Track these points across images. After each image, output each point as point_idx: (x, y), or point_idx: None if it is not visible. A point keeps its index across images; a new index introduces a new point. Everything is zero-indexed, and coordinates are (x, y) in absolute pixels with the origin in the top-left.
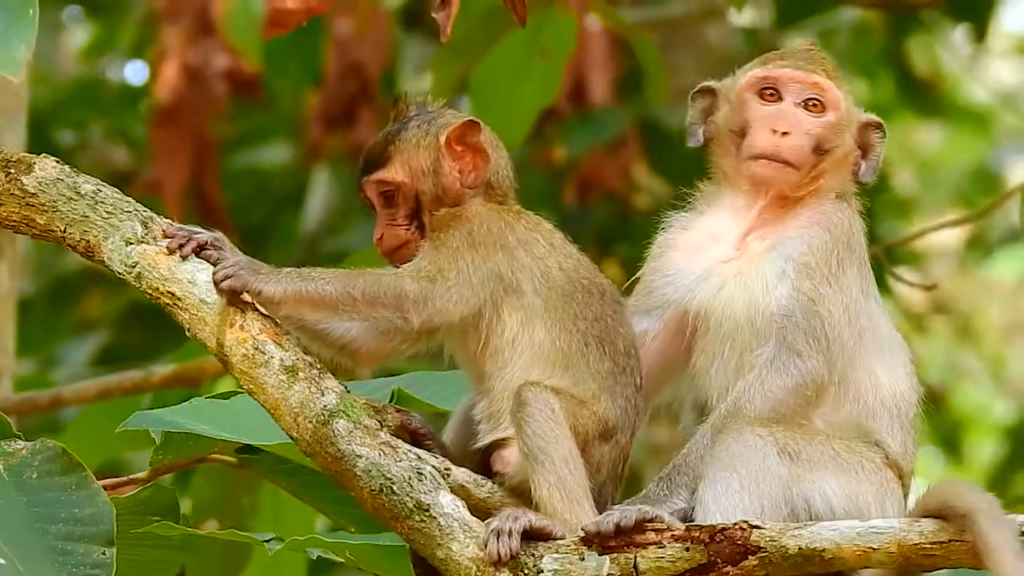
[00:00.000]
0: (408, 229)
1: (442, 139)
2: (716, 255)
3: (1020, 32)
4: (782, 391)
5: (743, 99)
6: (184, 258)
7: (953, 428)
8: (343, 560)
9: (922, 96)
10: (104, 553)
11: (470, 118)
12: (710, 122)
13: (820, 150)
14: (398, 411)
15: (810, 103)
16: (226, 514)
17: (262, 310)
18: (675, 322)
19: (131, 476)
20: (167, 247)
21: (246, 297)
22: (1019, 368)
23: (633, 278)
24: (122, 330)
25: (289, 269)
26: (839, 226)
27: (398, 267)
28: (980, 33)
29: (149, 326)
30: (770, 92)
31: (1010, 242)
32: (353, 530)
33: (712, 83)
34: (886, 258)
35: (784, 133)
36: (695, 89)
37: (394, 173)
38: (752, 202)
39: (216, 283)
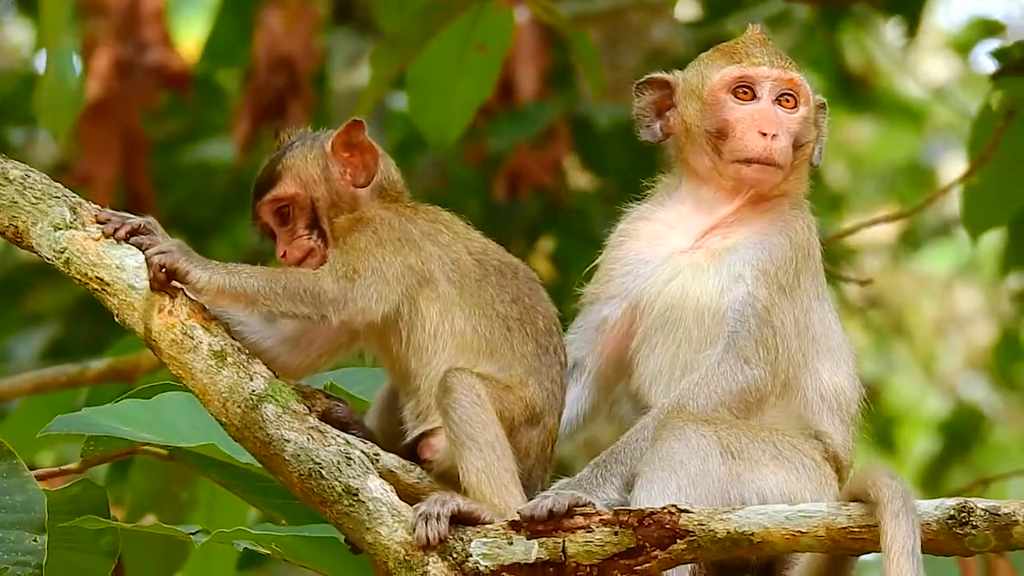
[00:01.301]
0: (310, 238)
1: (327, 146)
2: (675, 245)
3: (951, 29)
4: (726, 395)
5: (718, 99)
6: (118, 241)
7: (886, 423)
8: (270, 552)
9: (854, 91)
10: (35, 540)
11: (352, 119)
12: (668, 117)
13: (797, 145)
14: (327, 397)
15: (784, 99)
16: (164, 507)
17: (191, 295)
18: (632, 311)
19: (62, 467)
20: (102, 231)
21: (175, 281)
22: (951, 362)
23: (592, 265)
24: (71, 323)
25: (217, 262)
26: (800, 233)
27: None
28: (911, 29)
29: (97, 319)
30: (744, 90)
31: (941, 236)
32: (284, 522)
33: (663, 75)
34: (825, 255)
35: (773, 136)
36: (641, 80)
37: (285, 188)
38: (722, 198)
39: (147, 259)
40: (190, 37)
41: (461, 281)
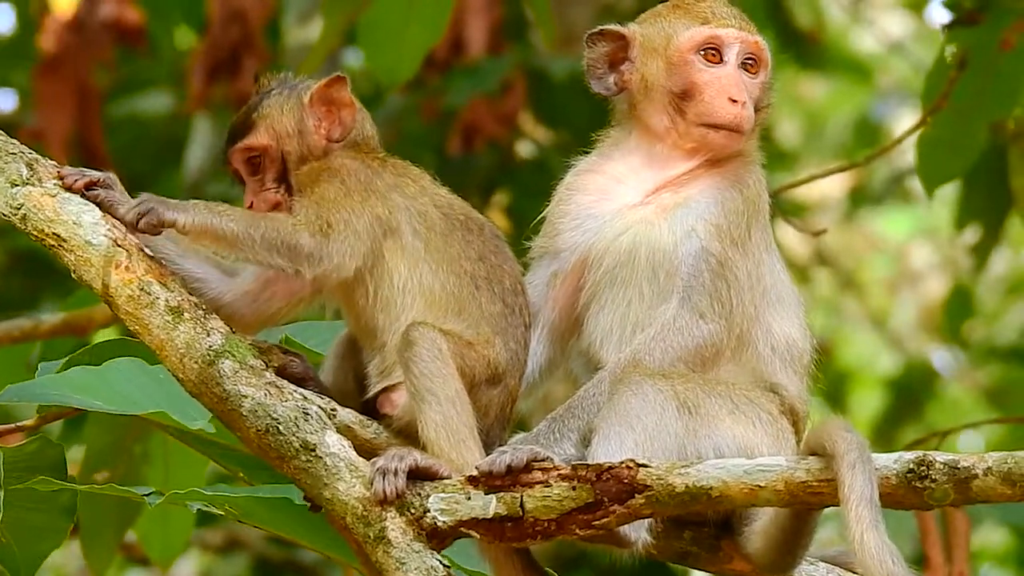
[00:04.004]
0: (277, 191)
1: (305, 99)
2: (624, 200)
3: None
4: (682, 350)
5: (686, 59)
6: (75, 191)
7: (838, 381)
8: (223, 513)
9: (803, 48)
10: None
11: (335, 75)
12: (623, 71)
13: (756, 110)
14: (284, 352)
15: (748, 63)
16: (119, 462)
17: (148, 251)
18: (581, 265)
19: (18, 424)
20: (63, 184)
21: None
22: (903, 320)
23: (539, 217)
24: (4, 279)
25: (196, 201)
26: (752, 188)
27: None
28: None
29: (31, 274)
30: (712, 52)
31: (896, 196)
32: (241, 474)
33: (618, 28)
34: (776, 209)
35: (743, 103)
36: (593, 31)
37: (258, 138)
38: (678, 156)
39: (133, 223)
40: None
41: (427, 234)
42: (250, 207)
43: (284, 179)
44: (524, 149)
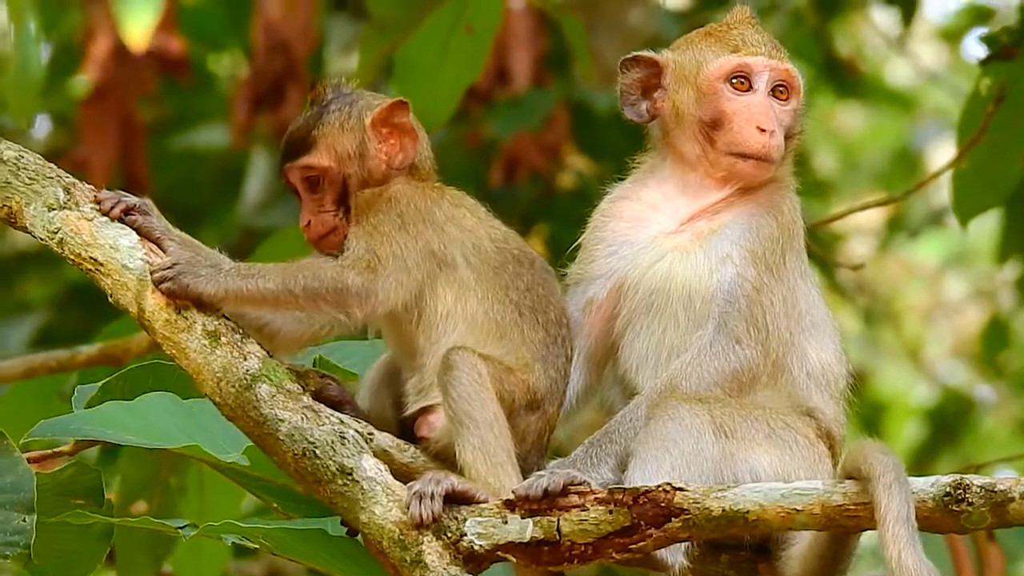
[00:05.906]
0: (336, 215)
1: (367, 121)
2: (659, 227)
3: (940, 20)
4: (718, 375)
5: (715, 88)
6: (112, 219)
7: (873, 411)
8: (257, 546)
9: (842, 77)
10: (24, 520)
11: (397, 99)
12: (656, 98)
13: (787, 136)
14: (320, 376)
15: (778, 90)
16: (154, 495)
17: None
18: (616, 292)
19: (55, 449)
20: (100, 208)
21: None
22: (938, 350)
23: (575, 244)
24: (59, 311)
25: (227, 264)
26: (786, 214)
27: (332, 255)
28: (906, 17)
29: (86, 307)
30: (741, 80)
31: (932, 224)
32: (276, 505)
33: (652, 54)
34: (811, 240)
35: (772, 132)
36: (628, 57)
37: (319, 158)
38: (710, 185)
39: (155, 284)
40: (138, 24)
41: (479, 266)
42: (307, 225)
43: (343, 201)
44: (566, 180)
